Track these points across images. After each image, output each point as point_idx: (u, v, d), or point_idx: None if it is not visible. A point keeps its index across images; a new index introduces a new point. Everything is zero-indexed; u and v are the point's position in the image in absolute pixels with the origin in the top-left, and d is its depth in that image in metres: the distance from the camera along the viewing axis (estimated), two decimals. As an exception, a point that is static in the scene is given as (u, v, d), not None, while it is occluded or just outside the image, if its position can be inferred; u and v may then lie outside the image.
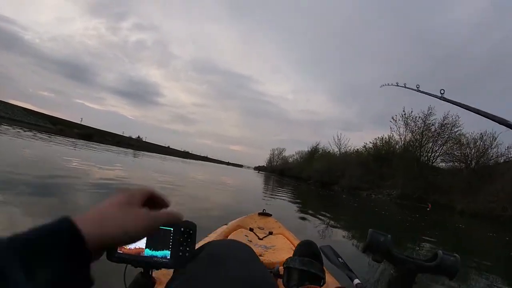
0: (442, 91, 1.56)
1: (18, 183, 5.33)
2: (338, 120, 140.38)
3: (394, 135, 36.87)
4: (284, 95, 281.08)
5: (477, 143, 28.62)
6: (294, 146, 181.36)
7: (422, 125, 33.03)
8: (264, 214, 2.84)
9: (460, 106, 1.40)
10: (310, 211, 9.45)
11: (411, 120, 33.84)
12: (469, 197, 23.91)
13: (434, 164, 32.15)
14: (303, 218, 8.05)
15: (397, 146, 36.21)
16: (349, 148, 49.91)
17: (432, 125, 32.69)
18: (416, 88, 2.09)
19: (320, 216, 8.70)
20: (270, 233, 2.33)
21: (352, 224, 8.91)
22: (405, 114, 34.82)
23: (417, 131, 33.14)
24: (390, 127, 36.63)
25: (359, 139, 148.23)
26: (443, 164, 31.99)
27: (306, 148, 78.87)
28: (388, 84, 3.02)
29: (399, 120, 35.28)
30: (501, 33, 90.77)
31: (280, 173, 75.73)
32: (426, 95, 1.92)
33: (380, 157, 36.68)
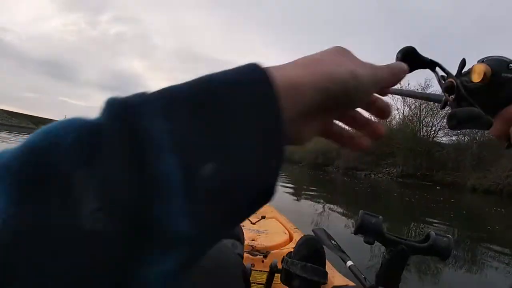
0: None
1: None
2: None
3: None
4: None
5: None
6: None
7: None
8: None
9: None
10: (305, 195, 9.10)
11: None
12: (479, 173, 22.12)
13: (436, 139, 29.94)
14: (297, 202, 7.73)
15: (394, 122, 33.02)
16: None
17: None
18: None
19: (316, 200, 8.30)
20: (263, 217, 2.21)
21: (352, 207, 8.21)
22: (401, 87, 31.32)
23: (415, 104, 30.53)
24: None
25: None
26: (445, 139, 29.58)
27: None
28: None
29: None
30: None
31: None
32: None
33: None
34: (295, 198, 8.18)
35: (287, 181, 14.00)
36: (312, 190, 10.58)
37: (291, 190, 9.83)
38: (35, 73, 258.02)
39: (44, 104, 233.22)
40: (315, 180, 19.62)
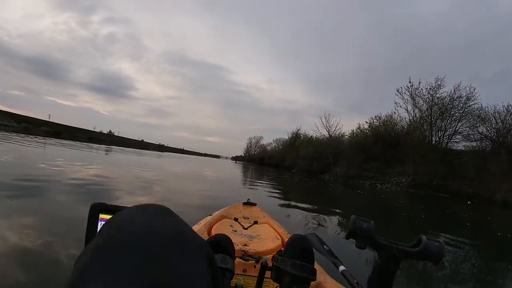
0: None
1: None
2: (314, 108, 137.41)
3: (400, 111, 29.21)
4: (259, 84, 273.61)
5: (506, 117, 22.24)
6: (271, 135, 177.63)
7: (430, 99, 25.83)
8: (249, 203, 2.65)
9: None
10: (296, 207, 7.69)
11: (416, 95, 26.51)
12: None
13: (449, 145, 25.42)
14: (286, 212, 6.81)
15: (402, 125, 28.88)
16: (340, 130, 39.72)
17: (442, 99, 25.40)
18: None
19: (308, 212, 7.04)
20: (255, 222, 2.20)
21: (348, 216, 4.78)
22: (412, 85, 26.58)
23: (425, 107, 26.18)
24: (395, 102, 28.24)
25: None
26: (459, 145, 25.29)
27: (283, 136, 74.47)
28: None
29: (405, 93, 27.19)
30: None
31: (260, 162, 69.54)
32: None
33: (382, 139, 28.18)
34: (283, 210, 7.06)
35: (274, 190, 12.00)
36: (304, 202, 8.69)
37: (278, 201, 8.53)
38: (23, 71, 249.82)
39: (31, 103, 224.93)
40: (309, 190, 16.03)
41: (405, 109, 27.63)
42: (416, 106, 26.42)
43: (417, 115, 26.72)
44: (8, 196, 4.28)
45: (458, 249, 5.20)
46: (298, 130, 59.89)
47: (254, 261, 1.46)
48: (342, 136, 38.03)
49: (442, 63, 73.27)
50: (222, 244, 0.96)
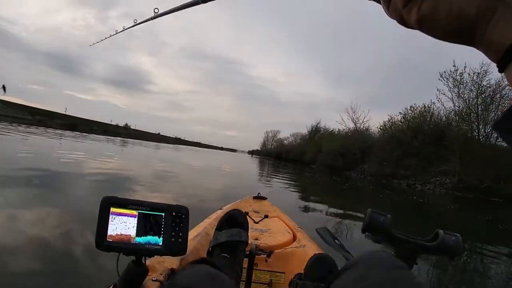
0: (156, 10, 1.19)
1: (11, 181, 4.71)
2: (331, 102, 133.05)
3: (443, 100, 24.13)
4: (276, 77, 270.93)
5: None
6: (288, 129, 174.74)
7: (476, 87, 21.72)
8: (259, 197, 2.57)
9: (181, 9, 0.99)
10: (315, 211, 6.52)
11: (461, 83, 22.28)
12: None
13: (498, 142, 20.55)
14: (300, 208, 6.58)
15: (442, 117, 24.65)
16: (368, 123, 35.11)
17: (489, 87, 21.31)
18: (133, 24, 1.53)
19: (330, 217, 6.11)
20: (266, 216, 2.13)
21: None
22: (456, 70, 22.20)
23: (472, 94, 21.95)
24: (438, 89, 23.67)
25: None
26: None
27: (300, 130, 71.49)
28: (101, 40, 2.51)
29: (448, 79, 22.60)
30: None
31: (277, 156, 66.53)
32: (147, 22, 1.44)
33: (422, 131, 23.64)
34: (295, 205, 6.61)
35: (291, 188, 10.96)
36: (325, 203, 7.67)
37: (293, 198, 7.87)
38: (43, 66, 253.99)
39: (50, 97, 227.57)
40: (332, 189, 13.95)
41: (450, 98, 23.28)
42: (461, 96, 22.45)
43: (461, 105, 22.72)
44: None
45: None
46: (318, 123, 56.46)
47: (265, 256, 1.41)
48: (367, 130, 34.60)
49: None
50: (237, 219, 1.04)
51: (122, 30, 1.95)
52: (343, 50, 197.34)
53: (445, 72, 22.77)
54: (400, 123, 27.56)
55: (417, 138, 23.71)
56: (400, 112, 27.79)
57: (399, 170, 22.93)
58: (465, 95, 22.16)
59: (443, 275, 3.44)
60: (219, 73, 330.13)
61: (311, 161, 42.82)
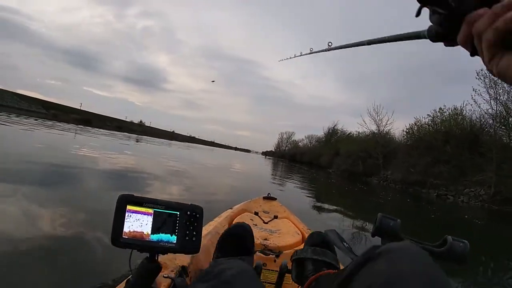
0: (329, 43, 1.19)
1: (22, 175, 4.63)
2: (346, 105, 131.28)
3: (477, 103, 20.85)
4: (292, 80, 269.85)
5: None
6: (302, 131, 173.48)
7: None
8: (269, 198, 2.62)
9: (350, 47, 0.96)
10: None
11: (496, 83, 19.07)
12: None
13: None
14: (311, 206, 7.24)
15: (476, 121, 21.39)
16: (392, 126, 31.59)
17: None
18: (309, 52, 1.59)
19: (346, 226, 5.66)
20: (275, 217, 2.17)
21: None
22: None
23: (509, 98, 18.84)
24: (474, 89, 20.38)
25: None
26: None
27: (315, 132, 69.49)
28: (286, 59, 2.36)
29: (485, 78, 19.43)
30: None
31: (291, 158, 64.66)
32: (319, 52, 1.39)
33: (455, 136, 20.82)
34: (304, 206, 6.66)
35: (304, 189, 11.40)
36: (337, 208, 7.30)
37: (306, 203, 7.59)
38: (61, 62, 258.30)
39: (67, 93, 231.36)
40: (350, 196, 12.79)
41: (486, 100, 20.13)
42: (496, 98, 19.91)
43: (499, 108, 19.52)
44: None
45: None
46: (335, 125, 54.20)
47: (274, 256, 1.41)
48: (387, 133, 31.67)
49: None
50: (242, 241, 1.01)
51: (301, 55, 1.88)
52: (360, 53, 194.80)
53: (482, 70, 20.11)
54: (428, 126, 24.98)
55: (450, 144, 21.13)
56: (428, 115, 25.07)
57: (428, 179, 20.49)
58: (502, 96, 19.54)
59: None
60: (234, 73, 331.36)
61: (327, 165, 40.87)
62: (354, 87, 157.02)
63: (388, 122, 31.52)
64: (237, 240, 1.02)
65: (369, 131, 34.06)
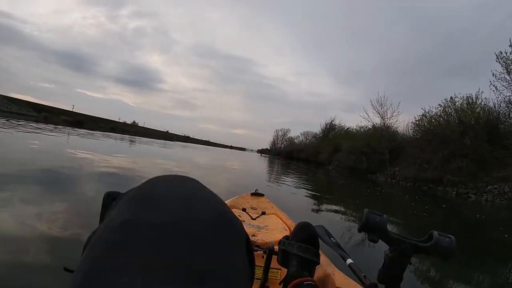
0: None
1: (16, 177, 4.72)
2: (341, 101, 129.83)
3: (498, 89, 19.17)
4: (286, 77, 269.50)
5: None
6: (298, 128, 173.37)
7: None
8: (256, 194, 2.61)
9: None
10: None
11: None
12: None
13: None
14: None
15: (493, 110, 19.51)
16: (397, 118, 29.77)
17: None
18: None
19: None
20: (263, 213, 2.17)
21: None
22: None
23: None
24: (493, 74, 18.77)
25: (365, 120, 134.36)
26: None
27: (310, 129, 68.21)
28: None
29: (506, 60, 18.03)
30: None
31: (287, 156, 62.90)
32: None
33: (473, 127, 18.70)
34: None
35: (306, 190, 9.97)
36: (326, 204, 7.62)
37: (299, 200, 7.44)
38: (54, 64, 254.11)
39: (60, 95, 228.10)
40: (352, 193, 12.41)
41: (505, 86, 18.60)
42: None
43: None
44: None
45: None
46: (333, 120, 52.44)
47: (262, 252, 1.39)
48: (392, 126, 29.98)
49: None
50: None
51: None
52: (353, 48, 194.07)
53: (501, 52, 18.16)
54: (440, 118, 22.45)
55: (468, 135, 18.97)
56: (439, 105, 22.73)
57: (445, 175, 18.28)
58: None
59: (437, 275, 3.47)
60: (228, 71, 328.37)
61: (326, 161, 39.22)
62: (350, 82, 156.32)
63: (394, 114, 29.70)
64: None
65: (372, 124, 32.37)
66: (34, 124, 21.42)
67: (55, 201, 3.82)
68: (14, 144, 9.49)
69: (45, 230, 2.67)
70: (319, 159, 42.81)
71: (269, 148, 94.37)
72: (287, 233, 1.67)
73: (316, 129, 58.05)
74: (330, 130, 51.37)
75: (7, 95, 56.16)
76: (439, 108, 22.71)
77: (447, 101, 22.23)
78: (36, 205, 3.45)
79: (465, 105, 21.06)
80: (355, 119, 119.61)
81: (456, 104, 21.65)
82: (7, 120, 20.74)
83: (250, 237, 1.35)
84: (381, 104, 30.49)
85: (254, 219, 1.99)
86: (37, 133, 14.77)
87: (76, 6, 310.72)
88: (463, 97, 21.36)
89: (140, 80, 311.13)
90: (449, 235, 0.76)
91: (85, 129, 30.36)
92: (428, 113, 23.68)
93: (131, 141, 24.30)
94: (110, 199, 0.60)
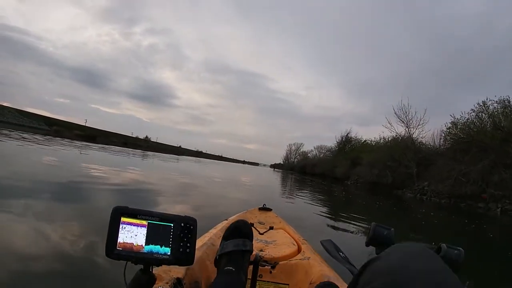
0: None
1: (30, 191, 4.68)
2: (352, 115, 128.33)
3: None
4: (297, 91, 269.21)
5: None
6: (311, 142, 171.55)
7: None
8: (264, 208, 2.53)
9: None
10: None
11: None
12: None
13: None
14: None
15: None
16: (422, 129, 26.62)
17: None
18: None
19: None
20: (271, 228, 2.04)
21: None
22: None
23: None
24: None
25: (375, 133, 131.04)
26: None
27: (323, 143, 66.49)
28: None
29: None
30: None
31: (301, 170, 60.70)
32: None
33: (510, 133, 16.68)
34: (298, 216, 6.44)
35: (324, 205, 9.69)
36: (333, 216, 7.39)
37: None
38: (69, 80, 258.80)
39: (75, 110, 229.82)
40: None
41: None
42: None
43: None
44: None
45: None
46: (348, 133, 50.26)
47: (270, 267, 1.40)
48: (418, 136, 26.91)
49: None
50: (242, 229, 1.05)
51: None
52: (363, 62, 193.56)
53: None
54: (473, 125, 20.06)
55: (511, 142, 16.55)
56: (472, 109, 20.50)
57: (487, 190, 15.92)
58: None
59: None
60: (239, 86, 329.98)
61: (343, 176, 36.91)
62: (360, 95, 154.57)
63: (421, 123, 26.60)
64: (238, 228, 1.06)
65: (395, 134, 29.28)
66: (39, 137, 20.40)
67: (58, 217, 3.66)
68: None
69: (52, 245, 2.63)
70: (336, 174, 40.61)
71: (282, 163, 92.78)
72: (295, 248, 1.64)
73: (329, 142, 56.31)
74: (346, 143, 49.14)
75: (21, 109, 56.23)
76: (472, 114, 20.54)
77: (480, 106, 20.09)
78: (38, 219, 3.37)
79: (500, 109, 18.98)
80: (368, 132, 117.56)
81: (489, 108, 19.56)
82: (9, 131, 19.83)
83: (257, 252, 1.37)
84: (405, 112, 27.41)
85: (262, 234, 1.90)
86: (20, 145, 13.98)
87: (90, 23, 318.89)
88: (498, 99, 19.17)
89: (153, 95, 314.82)
90: (458, 247, 0.74)
91: (97, 143, 30.01)
92: (460, 120, 21.43)
93: (133, 154, 23.18)
94: (118, 213, 0.67)
